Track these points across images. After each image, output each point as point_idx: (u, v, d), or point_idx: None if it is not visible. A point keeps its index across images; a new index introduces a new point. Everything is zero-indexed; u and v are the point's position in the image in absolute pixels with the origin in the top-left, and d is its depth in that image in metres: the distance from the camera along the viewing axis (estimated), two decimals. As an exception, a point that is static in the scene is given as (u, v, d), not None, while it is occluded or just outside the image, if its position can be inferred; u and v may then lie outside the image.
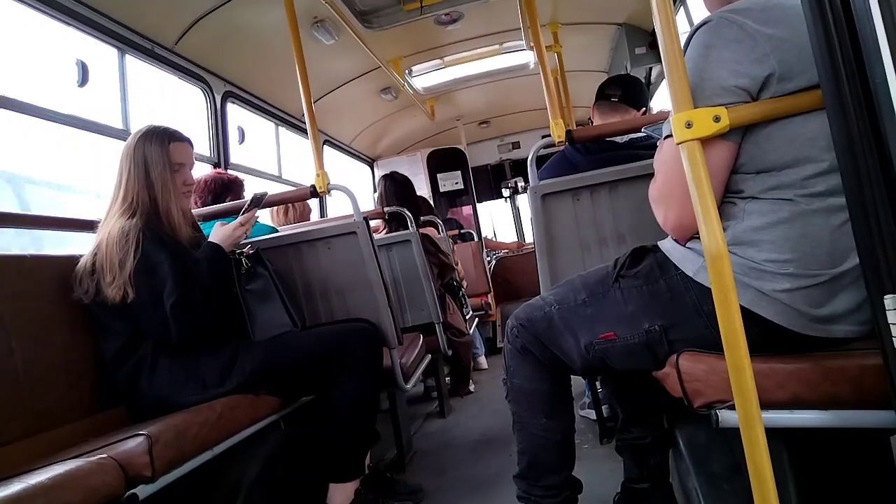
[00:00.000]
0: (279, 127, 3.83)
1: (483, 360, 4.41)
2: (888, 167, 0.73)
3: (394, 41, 3.53)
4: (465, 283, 4.09)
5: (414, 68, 4.19)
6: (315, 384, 1.85)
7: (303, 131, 3.87)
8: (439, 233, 3.81)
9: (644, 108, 2.18)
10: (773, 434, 0.93)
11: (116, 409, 1.66)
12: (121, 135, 2.31)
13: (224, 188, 2.51)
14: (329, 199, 4.26)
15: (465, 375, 3.68)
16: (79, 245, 1.91)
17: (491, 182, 6.44)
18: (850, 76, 0.76)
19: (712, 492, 1.24)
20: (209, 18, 2.65)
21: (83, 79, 2.16)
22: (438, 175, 6.05)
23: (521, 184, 6.20)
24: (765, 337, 1.03)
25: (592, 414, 2.47)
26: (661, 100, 4.11)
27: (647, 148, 1.92)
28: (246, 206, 1.89)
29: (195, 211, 2.10)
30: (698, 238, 0.96)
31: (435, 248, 3.31)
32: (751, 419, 0.86)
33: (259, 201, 1.92)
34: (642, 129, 1.90)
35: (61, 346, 1.60)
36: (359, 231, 2.09)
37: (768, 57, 0.98)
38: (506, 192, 6.42)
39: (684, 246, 1.14)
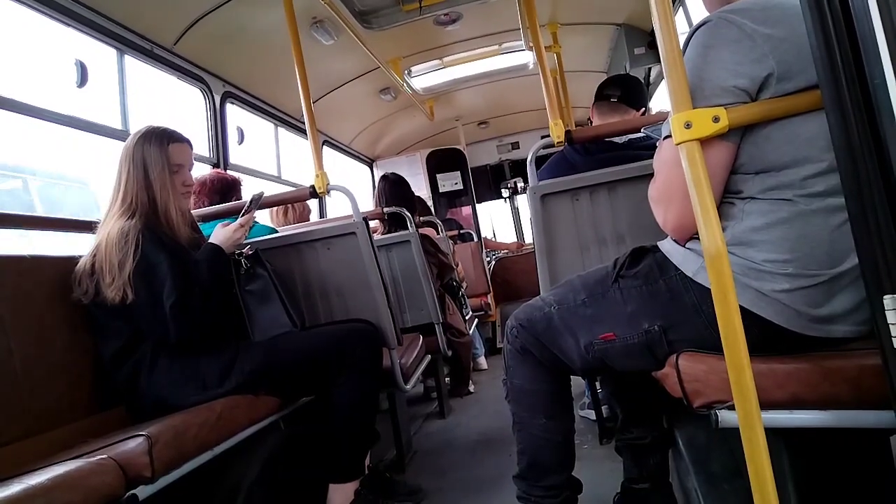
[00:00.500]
0: (278, 127, 3.83)
1: (483, 361, 4.41)
2: (887, 167, 0.73)
3: (393, 41, 3.53)
4: (464, 284, 4.09)
5: (413, 69, 4.19)
6: (315, 384, 1.85)
7: (302, 132, 3.86)
8: (438, 233, 3.81)
9: (643, 109, 2.18)
10: (773, 434, 0.94)
11: (116, 410, 1.66)
12: (120, 135, 2.31)
13: (228, 188, 2.52)
14: (328, 200, 4.26)
15: (464, 376, 3.69)
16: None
17: (490, 182, 6.44)
18: (849, 76, 0.76)
19: (712, 492, 1.24)
20: (208, 19, 2.65)
21: (82, 79, 2.16)
22: (438, 175, 6.05)
23: (520, 184, 6.20)
24: (764, 337, 1.03)
25: (592, 414, 2.47)
26: (660, 100, 4.12)
27: (646, 148, 1.92)
28: (245, 207, 1.89)
29: (195, 211, 2.10)
30: (698, 238, 0.96)
31: (434, 248, 3.32)
32: (750, 419, 0.86)
33: (258, 202, 1.92)
34: (641, 130, 1.90)
35: (61, 347, 1.60)
36: (358, 231, 2.09)
37: (767, 57, 0.98)
38: (505, 193, 6.42)
39: (684, 246, 1.15)
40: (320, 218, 4.02)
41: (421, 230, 3.28)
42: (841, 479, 1.07)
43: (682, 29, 1.22)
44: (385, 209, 3.15)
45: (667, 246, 1.19)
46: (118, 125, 2.38)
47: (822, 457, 1.07)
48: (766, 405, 0.90)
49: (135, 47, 2.48)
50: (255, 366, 1.68)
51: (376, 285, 2.11)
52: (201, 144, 2.95)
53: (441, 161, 6.01)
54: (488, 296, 4.97)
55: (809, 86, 0.96)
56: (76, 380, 1.62)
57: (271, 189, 3.32)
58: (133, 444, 1.22)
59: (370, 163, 5.76)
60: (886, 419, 0.87)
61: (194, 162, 1.88)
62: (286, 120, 3.85)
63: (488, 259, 5.48)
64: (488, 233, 6.50)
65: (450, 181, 6.08)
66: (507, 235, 6.72)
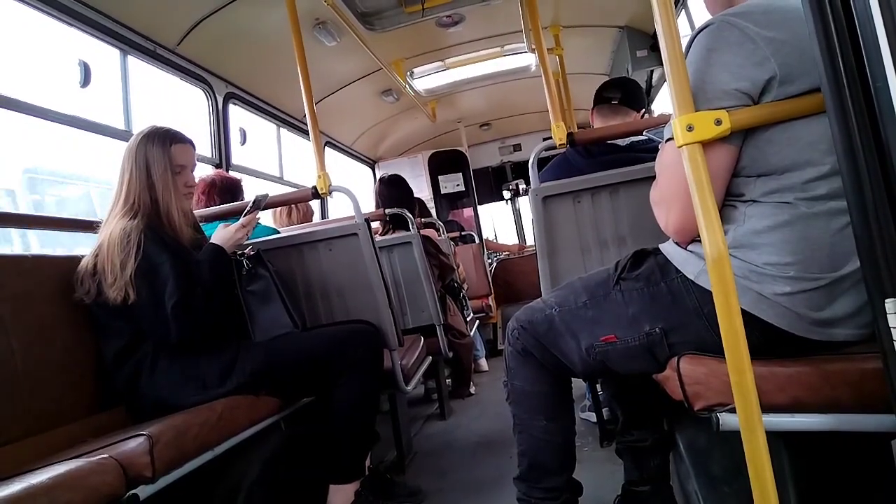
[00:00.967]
0: (281, 128, 3.84)
1: (484, 362, 4.41)
2: (889, 170, 0.73)
3: (395, 43, 3.53)
4: (465, 285, 4.09)
5: (415, 70, 4.19)
6: (315, 385, 1.85)
7: (304, 133, 3.87)
8: (439, 234, 3.81)
9: (643, 110, 2.18)
10: (774, 437, 0.94)
11: (117, 410, 1.66)
12: (123, 135, 2.32)
13: (234, 188, 2.53)
14: (330, 201, 4.26)
15: (465, 377, 3.69)
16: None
17: (492, 184, 6.45)
18: (851, 79, 0.76)
19: (712, 494, 1.24)
20: (211, 20, 2.66)
21: (85, 79, 2.17)
22: (440, 177, 6.05)
23: (522, 186, 6.20)
24: (765, 340, 1.03)
25: (593, 416, 2.47)
26: (662, 103, 4.12)
27: (648, 151, 1.92)
28: (248, 208, 1.90)
29: (197, 212, 2.11)
30: (699, 241, 0.96)
31: (435, 249, 3.31)
32: (751, 422, 0.86)
33: (260, 203, 1.93)
34: (644, 133, 1.90)
35: (62, 347, 1.60)
36: (360, 232, 2.09)
37: (769, 60, 0.98)
38: (507, 195, 6.43)
39: (685, 249, 1.15)
40: (322, 219, 4.02)
41: (422, 231, 3.28)
42: (842, 483, 1.07)
43: (685, 32, 1.22)
44: (387, 210, 3.15)
45: (668, 248, 1.19)
46: (121, 125, 2.39)
47: (822, 460, 1.07)
48: (766, 408, 0.90)
49: (138, 48, 2.49)
50: (255, 366, 1.68)
51: (377, 286, 2.11)
52: (204, 145, 2.95)
53: (443, 163, 6.02)
54: (489, 297, 4.97)
55: (811, 89, 0.96)
56: (77, 379, 1.62)
57: (273, 190, 3.33)
58: (134, 444, 1.22)
59: (372, 164, 5.77)
60: (887, 423, 0.87)
61: (197, 162, 1.88)
62: (288, 121, 3.86)
63: (489, 261, 5.47)
64: (490, 234, 6.51)
65: (451, 183, 6.08)
66: (508, 237, 6.73)
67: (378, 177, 3.53)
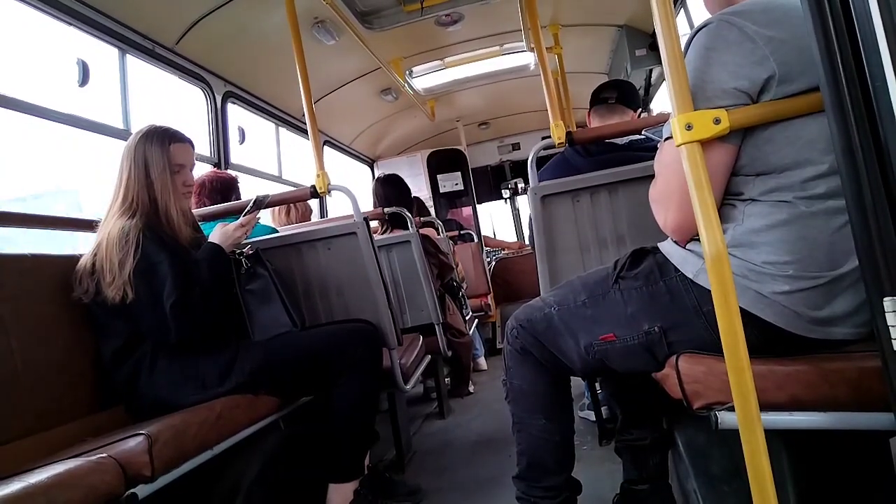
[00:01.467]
0: (279, 127, 3.84)
1: (483, 361, 4.41)
2: (887, 169, 0.73)
3: (394, 42, 3.53)
4: (464, 284, 4.09)
5: (414, 69, 4.19)
6: (314, 384, 1.85)
7: (303, 132, 3.87)
8: (438, 233, 3.81)
9: (640, 109, 2.18)
10: (773, 436, 0.94)
11: (116, 409, 1.66)
12: (122, 135, 2.31)
13: (228, 187, 2.53)
14: (329, 200, 4.26)
15: (464, 376, 3.69)
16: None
17: (491, 183, 6.45)
18: (850, 79, 0.76)
19: (711, 493, 1.24)
20: (210, 18, 2.65)
21: (84, 78, 2.16)
22: (438, 176, 6.05)
23: (521, 185, 6.20)
24: (764, 339, 1.03)
25: (592, 415, 2.47)
26: (661, 102, 4.12)
27: (647, 150, 1.92)
28: (248, 207, 1.89)
29: (196, 211, 2.10)
30: (698, 240, 0.96)
31: (435, 248, 3.31)
32: (750, 421, 0.86)
33: (261, 203, 1.93)
34: (642, 132, 1.90)
35: (61, 346, 1.60)
36: (359, 232, 2.09)
37: (768, 59, 0.98)
38: (506, 194, 6.42)
39: (684, 248, 1.15)
40: (321, 218, 4.02)
41: (421, 230, 3.28)
42: (841, 481, 1.07)
43: (684, 31, 1.22)
44: (386, 209, 3.15)
45: (667, 247, 1.20)
46: (120, 125, 2.38)
47: (821, 459, 1.07)
48: (765, 407, 0.90)
49: (136, 47, 2.49)
50: (255, 365, 1.68)
51: (376, 285, 2.11)
52: (202, 144, 2.95)
53: (442, 161, 6.01)
54: (488, 296, 4.96)
55: (810, 88, 0.96)
56: (76, 379, 1.62)
57: (272, 189, 3.33)
58: (133, 443, 1.22)
59: (371, 163, 5.77)
60: (886, 421, 0.87)
61: (196, 162, 1.88)
62: (287, 120, 3.85)
63: (488, 260, 5.47)
64: (489, 233, 6.50)
65: (450, 182, 6.08)
66: (507, 236, 6.73)
67: (376, 176, 3.51)
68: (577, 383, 2.01)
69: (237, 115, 3.29)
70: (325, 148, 4.47)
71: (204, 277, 1.69)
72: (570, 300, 1.30)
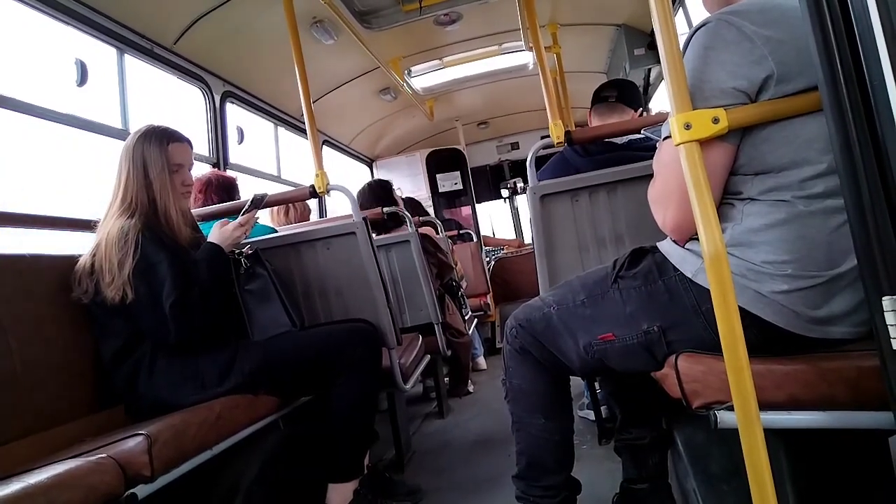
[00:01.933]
0: (278, 127, 3.83)
1: (482, 361, 4.41)
2: (886, 169, 0.74)
3: (393, 41, 3.53)
4: (464, 283, 4.09)
5: (413, 69, 4.19)
6: (314, 384, 1.85)
7: (302, 131, 3.86)
8: (438, 233, 3.80)
9: (641, 109, 2.19)
10: (772, 435, 0.94)
11: (115, 409, 1.66)
12: (120, 135, 2.31)
13: (231, 187, 2.53)
14: (328, 200, 4.26)
15: (463, 376, 3.69)
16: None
17: (490, 183, 6.45)
18: (849, 78, 0.76)
19: (711, 492, 1.24)
20: (208, 18, 2.65)
21: (82, 78, 2.16)
22: (437, 175, 6.05)
23: (520, 184, 6.20)
24: (763, 338, 1.03)
25: (591, 414, 2.47)
26: (659, 101, 4.12)
27: (645, 149, 1.93)
28: (246, 206, 1.89)
29: (195, 211, 2.10)
30: (697, 239, 0.96)
31: (434, 247, 3.31)
32: (749, 420, 0.86)
33: (259, 202, 1.93)
34: (641, 131, 1.90)
35: (60, 346, 1.60)
36: (358, 231, 2.09)
37: (766, 59, 0.98)
38: (505, 193, 6.43)
39: (683, 247, 1.15)
40: (320, 218, 4.02)
41: (420, 230, 3.27)
42: (839, 480, 1.07)
43: (682, 30, 1.22)
44: (385, 210, 3.14)
45: (666, 247, 1.20)
46: (118, 124, 2.38)
47: (820, 458, 1.07)
48: (764, 406, 0.90)
49: (135, 46, 2.49)
50: (254, 365, 1.68)
51: (376, 285, 2.11)
52: (201, 144, 2.95)
53: (441, 161, 6.01)
54: (488, 296, 4.97)
55: (809, 87, 0.96)
56: (75, 379, 1.62)
57: (271, 189, 3.32)
58: (132, 444, 1.22)
59: (370, 163, 5.77)
60: (885, 420, 0.87)
61: (194, 161, 1.88)
62: (286, 119, 3.85)
63: (488, 259, 5.47)
64: (488, 233, 6.50)
65: (449, 181, 6.08)
66: (506, 236, 6.73)
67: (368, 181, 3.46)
68: (576, 383, 2.01)
69: (236, 114, 3.29)
70: (324, 148, 4.47)
71: (203, 277, 1.68)
72: (569, 300, 1.30)
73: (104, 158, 2.28)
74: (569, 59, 3.90)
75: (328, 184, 2.15)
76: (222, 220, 1.87)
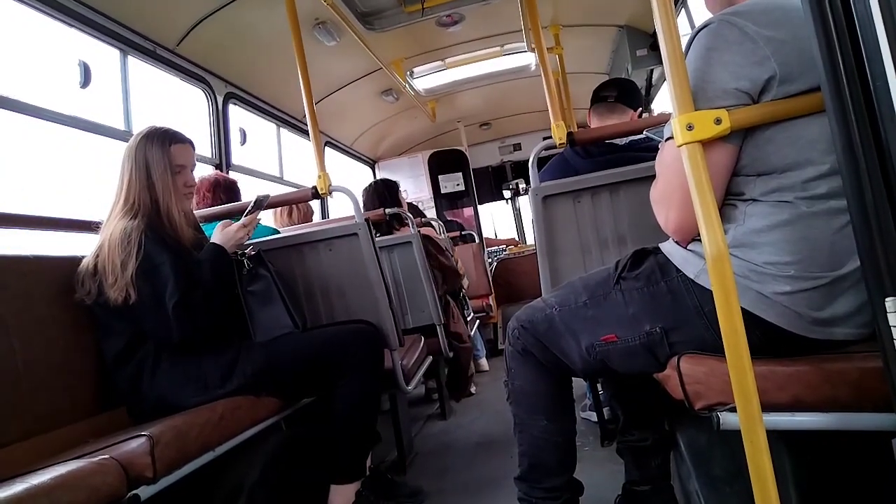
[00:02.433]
0: (280, 128, 3.84)
1: (484, 362, 4.41)
2: (889, 169, 0.73)
3: (395, 43, 3.54)
4: (465, 282, 4.07)
5: (415, 70, 4.20)
6: (316, 385, 1.85)
7: (304, 133, 3.87)
8: (439, 234, 3.79)
9: (640, 109, 2.18)
10: (774, 436, 0.94)
11: (118, 410, 1.66)
12: (123, 136, 2.32)
13: (232, 186, 2.55)
14: (330, 201, 4.26)
15: (463, 381, 3.65)
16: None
17: (492, 184, 6.45)
18: (851, 79, 0.76)
19: (713, 494, 1.24)
20: (211, 20, 2.66)
21: (85, 80, 2.17)
22: (439, 176, 6.05)
23: (522, 185, 6.21)
24: (765, 339, 1.03)
25: (593, 416, 2.47)
26: (662, 102, 4.12)
27: (647, 150, 1.92)
28: (249, 208, 1.90)
29: (197, 212, 2.11)
30: (699, 240, 0.96)
31: (436, 249, 3.28)
32: (752, 421, 0.86)
33: (262, 203, 1.93)
34: (643, 132, 1.90)
35: (63, 347, 1.60)
36: (360, 233, 2.09)
37: (769, 59, 0.98)
38: (507, 194, 6.43)
39: (685, 248, 1.15)
40: (322, 219, 4.02)
41: (422, 231, 3.26)
42: (842, 482, 1.07)
43: (685, 31, 1.22)
44: (387, 210, 3.14)
45: (668, 248, 1.19)
46: (121, 126, 2.39)
47: (823, 459, 1.07)
48: (767, 407, 0.90)
49: (138, 48, 2.49)
50: (256, 367, 1.68)
51: (378, 286, 2.11)
52: (203, 145, 2.96)
53: (443, 162, 6.02)
54: (490, 297, 4.96)
55: (811, 88, 0.96)
56: (78, 380, 1.62)
57: (274, 190, 3.32)
58: (135, 445, 1.22)
59: (372, 164, 5.77)
60: (888, 422, 0.87)
61: (196, 163, 1.88)
62: (288, 121, 3.86)
63: (490, 260, 5.47)
64: (490, 234, 6.51)
65: (451, 182, 6.09)
66: (508, 237, 6.73)
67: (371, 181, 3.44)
68: (578, 384, 2.01)
69: (238, 116, 3.29)
70: (327, 149, 4.48)
71: (206, 278, 1.69)
72: (571, 301, 1.30)
73: (105, 159, 2.29)
74: (571, 59, 3.90)
75: (330, 185, 2.15)
76: (225, 220, 1.87)
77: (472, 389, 3.71)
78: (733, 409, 0.91)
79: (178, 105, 2.99)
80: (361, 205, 3.26)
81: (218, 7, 2.61)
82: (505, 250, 5.89)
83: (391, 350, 2.12)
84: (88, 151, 2.36)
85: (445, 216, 6.08)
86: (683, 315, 1.13)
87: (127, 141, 1.81)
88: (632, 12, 3.58)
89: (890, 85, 0.72)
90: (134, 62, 2.51)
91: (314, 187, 2.16)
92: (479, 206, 6.21)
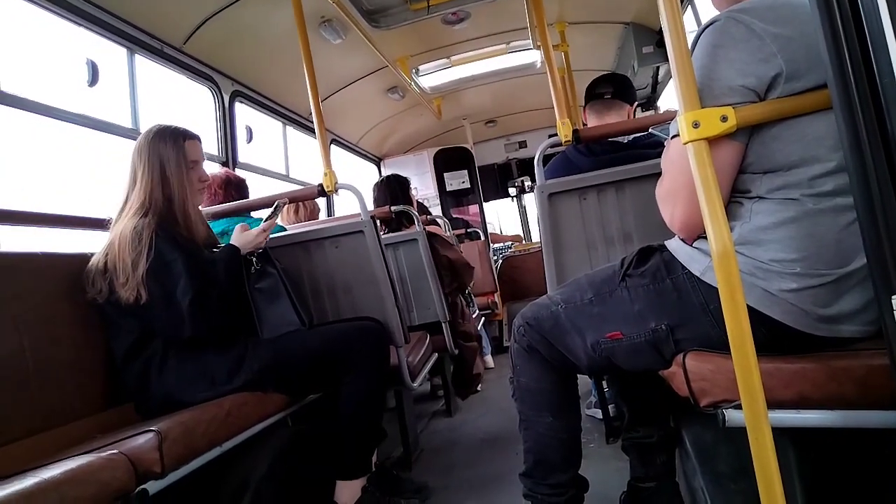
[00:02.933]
0: (287, 126, 3.85)
1: (490, 359, 4.41)
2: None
3: (401, 40, 3.54)
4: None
5: (421, 67, 4.20)
6: (322, 382, 1.86)
7: (310, 130, 3.88)
8: (445, 231, 3.79)
9: (636, 103, 2.17)
10: (780, 434, 0.94)
11: (126, 406, 1.68)
12: (130, 134, 2.34)
13: (241, 184, 2.57)
14: (336, 199, 4.28)
15: (468, 379, 3.63)
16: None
17: (497, 181, 6.45)
18: (858, 75, 0.76)
19: (718, 491, 1.24)
20: (217, 18, 2.67)
21: (93, 78, 2.18)
22: (445, 174, 6.06)
23: (527, 183, 6.20)
24: (771, 336, 1.03)
25: (599, 413, 2.46)
26: (668, 99, 4.11)
27: (651, 146, 1.92)
28: (269, 213, 1.92)
29: (207, 208, 2.12)
30: (705, 237, 0.96)
31: (443, 246, 3.26)
32: (757, 419, 0.86)
33: (280, 209, 1.96)
34: (649, 129, 1.90)
35: (72, 344, 1.61)
36: (366, 230, 2.10)
37: (775, 56, 0.98)
38: (512, 192, 6.42)
39: (691, 245, 1.14)
40: (328, 216, 4.03)
41: (428, 228, 3.25)
42: (848, 479, 1.07)
43: (691, 28, 1.22)
44: (393, 208, 3.14)
45: (674, 245, 1.19)
46: (128, 124, 2.40)
47: (829, 456, 1.06)
48: (773, 404, 0.90)
49: (145, 46, 2.51)
50: (263, 363, 1.69)
51: (384, 283, 2.11)
52: (210, 143, 2.97)
53: (448, 160, 6.02)
54: (495, 294, 4.96)
55: (818, 85, 0.96)
56: (87, 376, 1.64)
57: (280, 187, 3.34)
58: (143, 440, 1.23)
59: (378, 161, 5.78)
60: (893, 419, 0.87)
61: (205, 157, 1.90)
62: (294, 119, 3.87)
63: (495, 258, 5.47)
64: (495, 231, 6.50)
65: (457, 180, 6.09)
66: (513, 233, 6.73)
67: (379, 177, 3.43)
68: (583, 381, 2.02)
69: (245, 114, 3.30)
70: (332, 146, 4.48)
71: (221, 278, 1.70)
72: (576, 298, 1.30)
73: (107, 157, 2.30)
74: (577, 57, 3.90)
75: (336, 182, 2.16)
76: (243, 223, 1.89)
77: (478, 386, 3.71)
78: (739, 407, 0.91)
79: (185, 103, 3.00)
80: (372, 200, 3.28)
81: (224, 5, 2.62)
82: (511, 247, 5.89)
83: (397, 347, 2.12)
84: (88, 151, 2.37)
85: (451, 214, 6.08)
86: (689, 312, 1.13)
87: (134, 139, 1.82)
88: (638, 9, 3.57)
89: (897, 81, 0.71)
90: (141, 60, 2.52)
91: (320, 185, 2.17)
92: (485, 204, 6.21)
